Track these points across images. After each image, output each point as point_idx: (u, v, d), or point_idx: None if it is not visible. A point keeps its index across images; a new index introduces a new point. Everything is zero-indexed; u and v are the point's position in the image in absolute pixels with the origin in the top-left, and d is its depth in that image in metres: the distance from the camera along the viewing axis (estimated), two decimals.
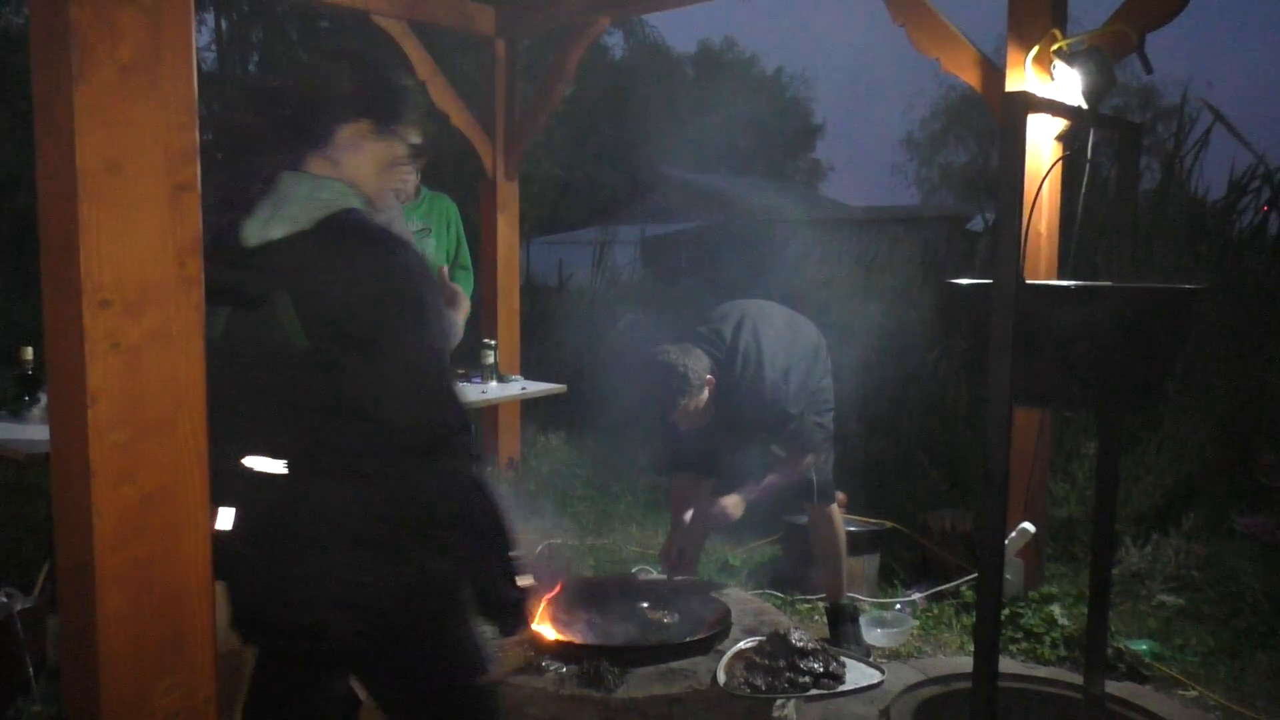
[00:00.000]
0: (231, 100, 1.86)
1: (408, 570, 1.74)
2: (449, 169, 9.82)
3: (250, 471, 1.70)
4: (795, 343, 3.62)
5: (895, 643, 3.82)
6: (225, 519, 1.71)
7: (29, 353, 3.76)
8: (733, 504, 3.59)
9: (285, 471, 1.69)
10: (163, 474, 1.52)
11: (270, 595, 1.75)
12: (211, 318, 1.63)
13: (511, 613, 1.84)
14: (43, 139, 1.46)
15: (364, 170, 1.78)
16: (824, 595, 4.10)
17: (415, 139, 1.84)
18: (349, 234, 1.68)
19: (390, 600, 1.74)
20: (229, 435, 1.67)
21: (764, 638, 3.00)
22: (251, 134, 1.69)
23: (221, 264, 1.63)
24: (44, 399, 3.53)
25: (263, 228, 1.66)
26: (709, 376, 3.41)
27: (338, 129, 1.75)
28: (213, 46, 18.72)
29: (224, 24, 18.65)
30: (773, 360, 3.50)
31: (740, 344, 3.50)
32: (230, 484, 1.70)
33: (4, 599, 3.26)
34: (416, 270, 1.71)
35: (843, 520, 3.94)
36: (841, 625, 3.77)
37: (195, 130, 1.52)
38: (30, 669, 3.15)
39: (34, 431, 3.40)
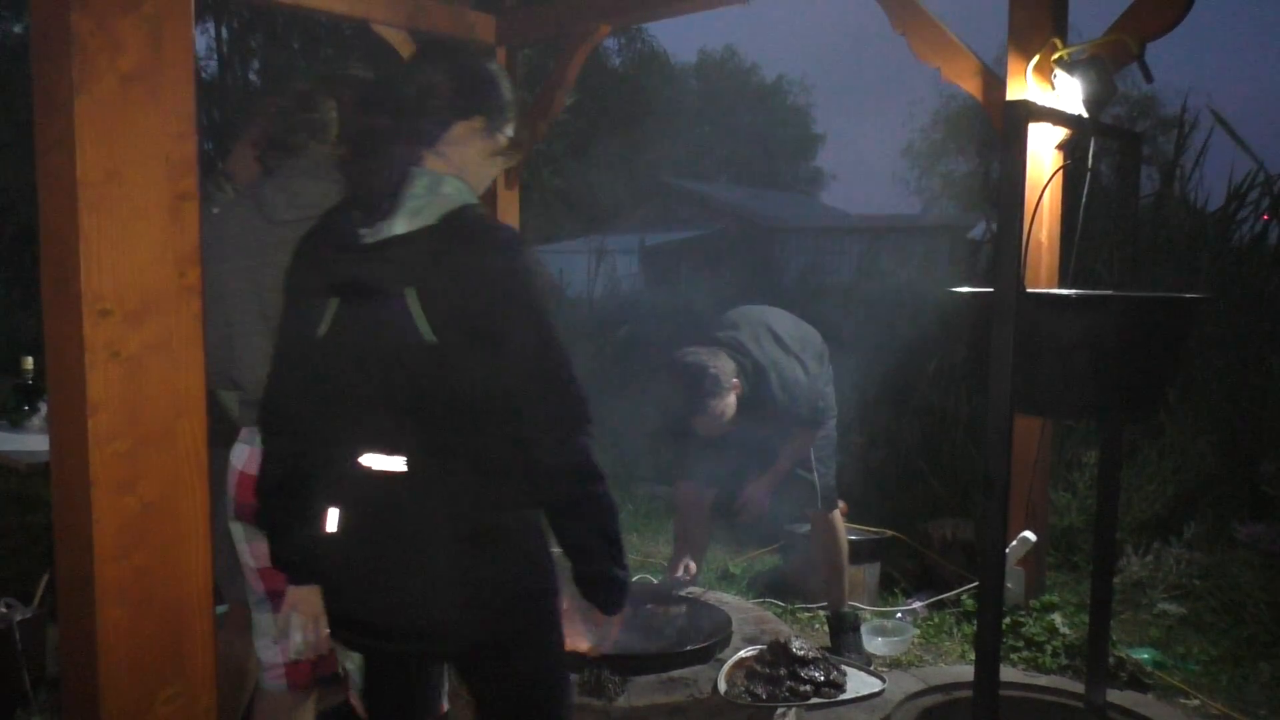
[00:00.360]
0: (353, 100, 1.84)
1: (523, 561, 1.76)
2: None
3: (365, 471, 1.69)
4: (806, 346, 3.65)
5: (896, 651, 3.81)
6: (330, 521, 1.72)
7: (29, 362, 3.77)
8: (761, 493, 3.64)
9: (405, 469, 1.67)
10: (163, 484, 1.52)
11: (387, 595, 1.71)
12: (315, 313, 1.67)
13: (618, 590, 1.83)
14: (43, 149, 1.46)
15: (471, 164, 1.78)
16: (825, 604, 4.09)
17: (512, 132, 1.85)
18: (475, 231, 1.67)
19: (507, 592, 1.74)
20: (341, 434, 1.70)
21: (765, 646, 2.99)
22: (374, 134, 1.69)
23: (348, 260, 1.64)
24: (44, 409, 3.53)
25: (387, 224, 1.65)
26: (735, 380, 3.40)
27: (453, 125, 1.74)
28: (213, 55, 18.76)
29: (224, 32, 18.69)
30: (792, 363, 3.53)
31: (763, 348, 3.51)
32: (342, 484, 1.72)
33: (4, 609, 3.25)
34: (535, 267, 1.72)
35: (844, 529, 3.94)
36: (843, 634, 3.76)
37: (195, 140, 1.52)
38: (29, 680, 3.14)
39: (34, 441, 3.40)
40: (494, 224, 1.73)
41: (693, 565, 3.75)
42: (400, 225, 1.63)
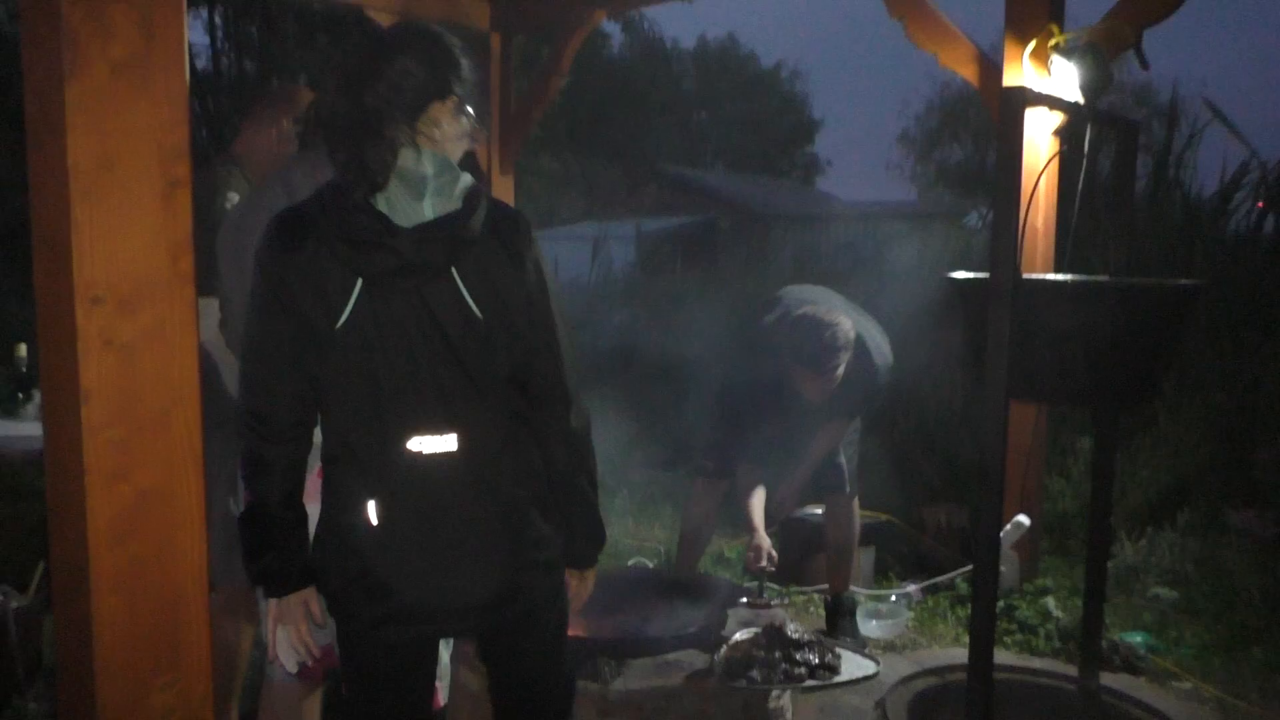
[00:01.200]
0: (335, 79, 1.79)
1: (547, 529, 1.84)
2: None
3: (414, 456, 1.69)
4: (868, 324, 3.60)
5: (891, 635, 3.83)
6: (371, 513, 1.69)
7: (23, 350, 3.76)
8: (797, 489, 3.65)
9: (455, 448, 1.70)
10: (157, 472, 1.52)
11: (440, 578, 1.73)
12: (333, 306, 1.63)
13: (601, 539, 2.02)
14: (34, 137, 1.46)
15: (445, 144, 1.77)
16: (823, 587, 4.11)
17: (473, 113, 1.86)
18: (495, 209, 1.75)
19: (539, 560, 1.82)
20: (384, 422, 1.68)
21: (760, 630, 3.00)
22: (366, 116, 1.66)
23: (390, 245, 1.63)
24: (38, 397, 3.52)
25: (415, 207, 1.66)
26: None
27: (431, 105, 1.73)
28: (207, 43, 18.66)
29: (217, 20, 18.58)
30: (879, 334, 3.53)
31: (850, 318, 3.41)
32: (386, 473, 1.69)
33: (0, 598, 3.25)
34: (539, 247, 1.81)
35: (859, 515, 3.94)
36: (841, 617, 3.77)
37: (187, 127, 1.51)
38: (25, 668, 3.14)
39: (28, 430, 3.39)
40: (510, 209, 1.81)
41: (772, 552, 3.60)
42: (430, 208, 1.66)
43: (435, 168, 1.69)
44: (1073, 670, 3.03)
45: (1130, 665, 3.47)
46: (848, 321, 3.30)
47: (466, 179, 1.72)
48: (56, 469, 1.53)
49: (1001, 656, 3.23)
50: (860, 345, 3.37)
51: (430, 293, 1.67)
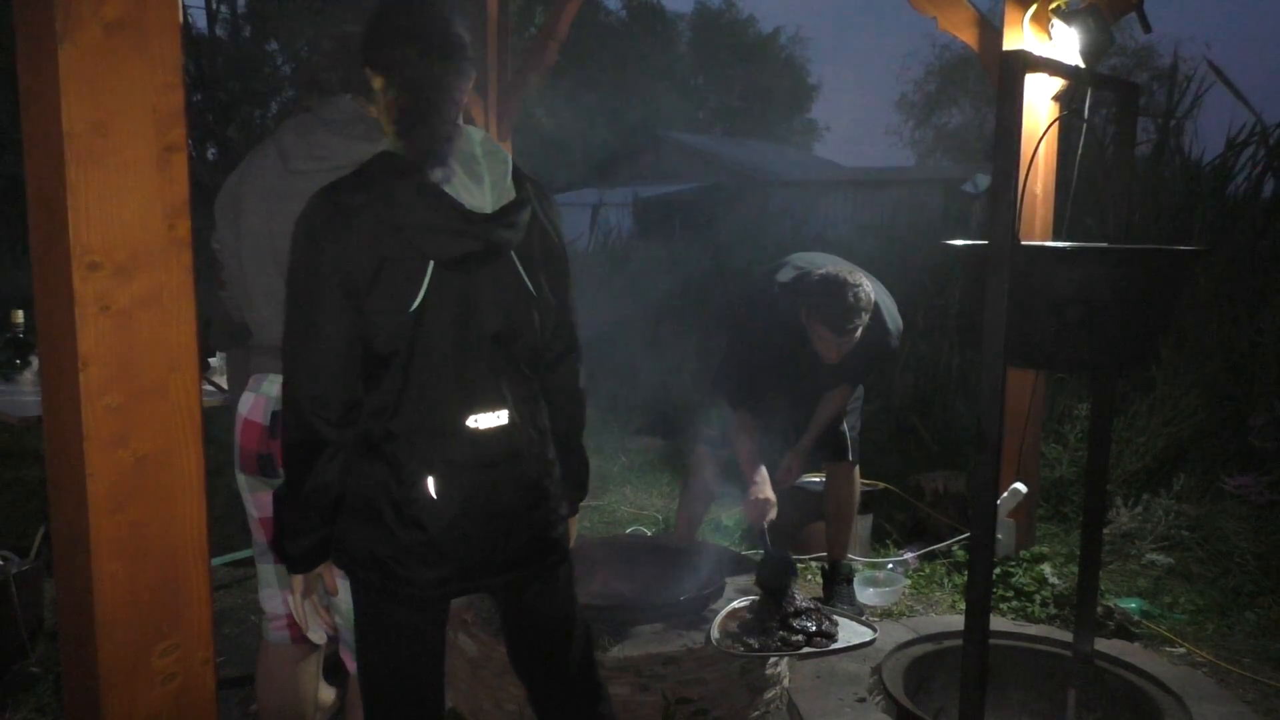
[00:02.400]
0: (411, 55, 1.78)
1: (561, 481, 1.97)
2: None
3: (473, 431, 1.75)
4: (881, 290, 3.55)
5: (888, 602, 3.86)
6: (431, 487, 1.73)
7: (20, 316, 3.75)
8: (802, 461, 3.65)
9: (506, 421, 1.79)
10: (156, 438, 1.52)
11: (497, 541, 1.81)
12: (409, 289, 1.66)
13: (584, 496, 2.15)
14: (28, 100, 1.44)
15: (465, 116, 1.82)
16: (820, 555, 4.13)
17: None
18: (536, 189, 1.84)
19: (561, 511, 1.97)
20: (456, 398, 1.74)
21: (757, 597, 3.02)
22: (441, 87, 1.70)
23: (474, 229, 1.68)
24: (36, 362, 3.52)
25: (480, 190, 1.72)
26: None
27: (472, 77, 1.77)
28: (201, 4, 18.44)
29: None
30: (891, 300, 3.53)
31: (867, 283, 3.39)
32: (447, 450, 1.74)
33: (1, 562, 3.26)
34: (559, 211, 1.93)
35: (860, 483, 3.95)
36: (838, 584, 3.79)
37: (182, 91, 1.50)
38: (27, 632, 3.16)
39: (27, 395, 3.39)
40: (537, 178, 1.87)
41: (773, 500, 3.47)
42: (491, 193, 1.72)
43: (481, 145, 1.75)
44: (1068, 636, 3.06)
45: (1125, 631, 3.50)
46: (869, 284, 3.29)
47: (507, 156, 1.78)
48: (56, 435, 1.53)
49: (997, 623, 3.26)
50: (876, 311, 3.36)
51: (495, 274, 1.75)
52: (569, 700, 2.06)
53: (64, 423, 1.48)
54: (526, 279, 1.79)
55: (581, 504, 2.17)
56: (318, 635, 1.93)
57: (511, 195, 1.76)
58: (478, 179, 1.71)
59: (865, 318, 3.23)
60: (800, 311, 3.31)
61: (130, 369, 1.48)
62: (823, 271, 3.29)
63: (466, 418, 1.74)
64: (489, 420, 1.77)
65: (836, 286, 3.22)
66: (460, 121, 1.74)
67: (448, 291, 1.69)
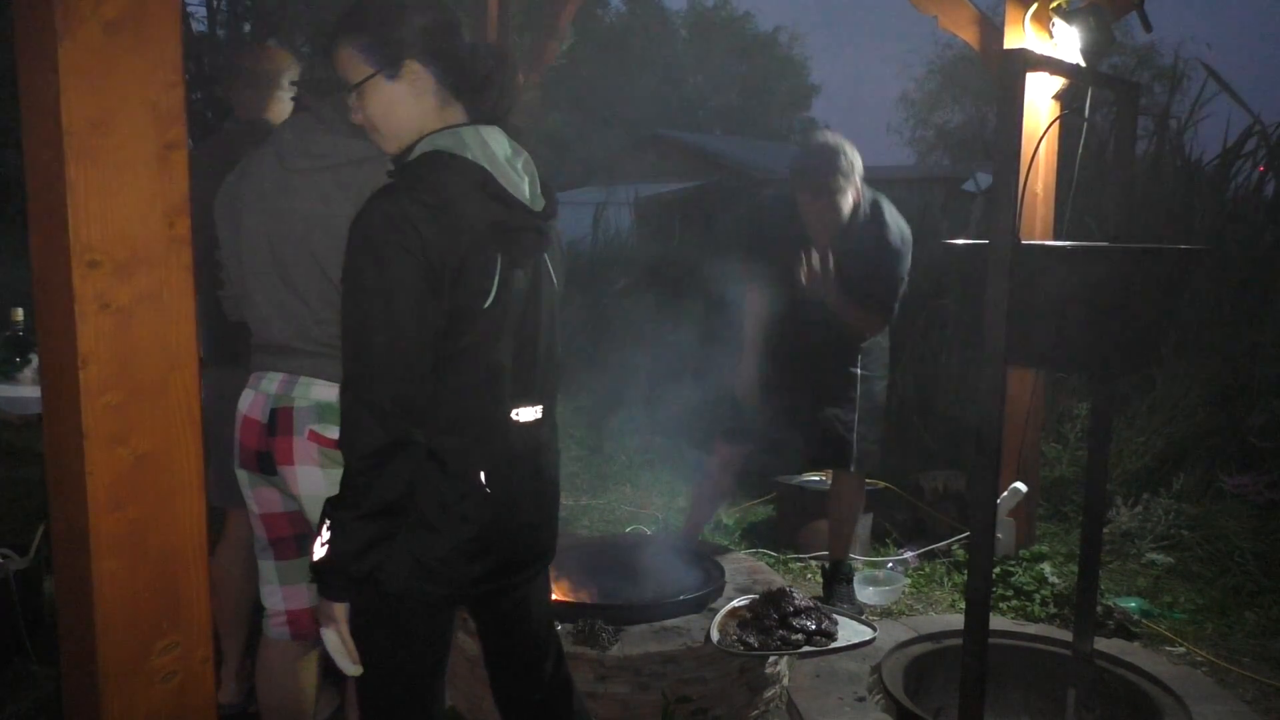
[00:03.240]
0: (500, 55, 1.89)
1: None
2: None
3: (518, 424, 1.80)
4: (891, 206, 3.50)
5: (888, 601, 3.86)
6: (483, 481, 1.75)
7: (19, 314, 3.74)
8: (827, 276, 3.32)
9: (540, 415, 1.86)
10: (156, 436, 1.52)
11: (532, 531, 1.88)
12: (484, 287, 1.69)
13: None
14: (27, 98, 1.44)
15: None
16: (821, 554, 4.14)
17: None
18: (550, 185, 1.87)
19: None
20: (506, 392, 1.78)
21: (757, 596, 3.02)
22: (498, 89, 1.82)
23: (533, 228, 1.76)
24: (36, 360, 3.52)
25: (519, 188, 1.76)
26: (860, 172, 3.32)
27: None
28: (201, 2, 18.41)
29: None
30: (894, 213, 3.45)
31: (870, 193, 3.41)
32: (497, 443, 1.78)
33: (0, 560, 3.26)
34: None
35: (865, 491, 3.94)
36: (838, 584, 3.79)
37: (182, 88, 1.49)
38: (27, 629, 3.16)
39: (26, 393, 3.38)
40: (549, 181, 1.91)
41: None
42: (529, 190, 1.78)
43: (505, 146, 1.79)
44: (1067, 635, 3.05)
45: (1124, 630, 3.50)
46: (856, 155, 3.30)
47: (526, 154, 1.83)
48: (55, 433, 1.52)
49: (997, 622, 3.26)
50: (877, 211, 3.36)
51: (543, 271, 1.83)
52: (546, 705, 2.07)
53: (63, 421, 1.48)
54: (554, 275, 1.87)
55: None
56: (350, 669, 1.78)
57: (545, 200, 1.82)
58: (518, 176, 1.76)
59: (845, 182, 3.26)
60: (790, 187, 3.39)
61: (130, 367, 1.48)
62: (805, 138, 3.41)
63: (513, 410, 1.79)
64: (528, 414, 1.82)
65: (815, 147, 3.36)
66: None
67: (508, 287, 1.73)
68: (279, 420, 2.07)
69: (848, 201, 3.32)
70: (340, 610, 1.72)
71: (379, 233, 1.62)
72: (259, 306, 2.16)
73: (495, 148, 1.75)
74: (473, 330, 1.69)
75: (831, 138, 3.38)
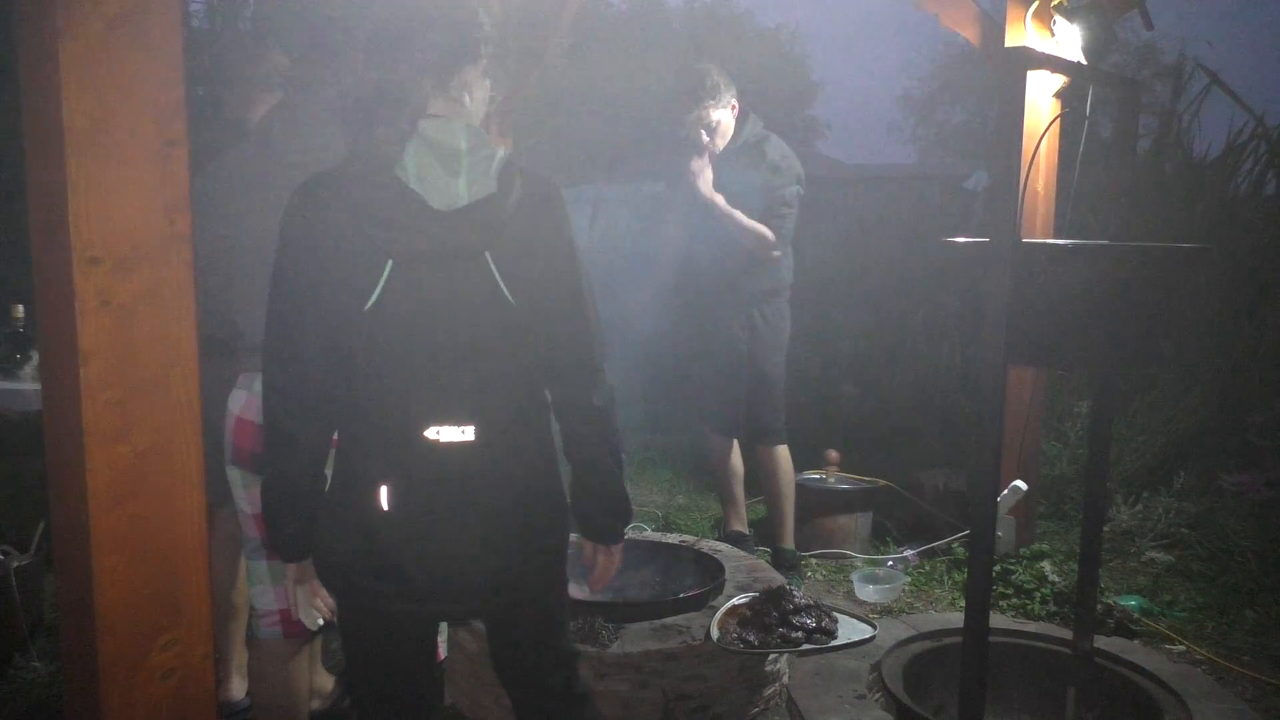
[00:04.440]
0: (368, 45, 1.74)
1: (561, 514, 1.84)
2: None
3: (431, 443, 1.65)
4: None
5: (887, 599, 3.86)
6: (383, 497, 1.67)
7: (20, 311, 3.75)
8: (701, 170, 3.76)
9: (473, 439, 1.67)
10: (156, 432, 1.52)
11: (450, 564, 1.71)
12: (363, 285, 1.59)
13: (622, 521, 1.96)
14: (28, 95, 1.44)
15: (476, 109, 1.75)
16: (823, 552, 4.19)
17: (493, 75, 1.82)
18: (532, 188, 1.70)
19: (549, 546, 1.82)
20: (403, 409, 1.65)
21: (757, 594, 3.02)
22: (393, 82, 1.63)
23: (424, 226, 1.59)
24: (35, 357, 3.52)
25: (450, 186, 1.61)
26: (734, 103, 3.77)
27: (466, 69, 1.70)
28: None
29: None
30: (781, 147, 3.86)
31: (762, 130, 3.87)
32: (401, 460, 1.66)
33: (1, 556, 3.26)
34: (571, 216, 1.78)
35: (791, 467, 4.09)
36: (781, 571, 3.78)
37: (183, 85, 1.49)
38: (27, 626, 3.16)
39: (27, 389, 3.39)
40: (542, 178, 1.75)
41: None
42: (465, 189, 1.62)
43: (468, 140, 1.64)
44: (1067, 634, 3.06)
45: (1124, 628, 3.50)
46: (731, 85, 3.76)
47: (500, 154, 1.67)
48: (56, 430, 1.53)
49: (997, 620, 3.26)
50: (763, 139, 3.82)
51: (462, 277, 1.64)
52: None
53: (64, 417, 1.48)
54: (503, 285, 1.66)
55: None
56: (311, 621, 1.92)
57: (489, 190, 1.64)
58: (453, 173, 1.62)
59: (710, 101, 3.68)
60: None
61: (130, 364, 1.48)
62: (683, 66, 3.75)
63: (425, 429, 1.65)
64: (451, 434, 1.66)
65: (685, 71, 3.87)
66: (446, 115, 1.68)
67: (409, 293, 1.61)
68: None
69: (724, 117, 3.75)
70: (290, 569, 1.82)
71: (281, 221, 1.66)
72: (256, 307, 2.15)
73: (441, 135, 1.63)
74: (359, 333, 1.62)
75: (703, 65, 3.80)
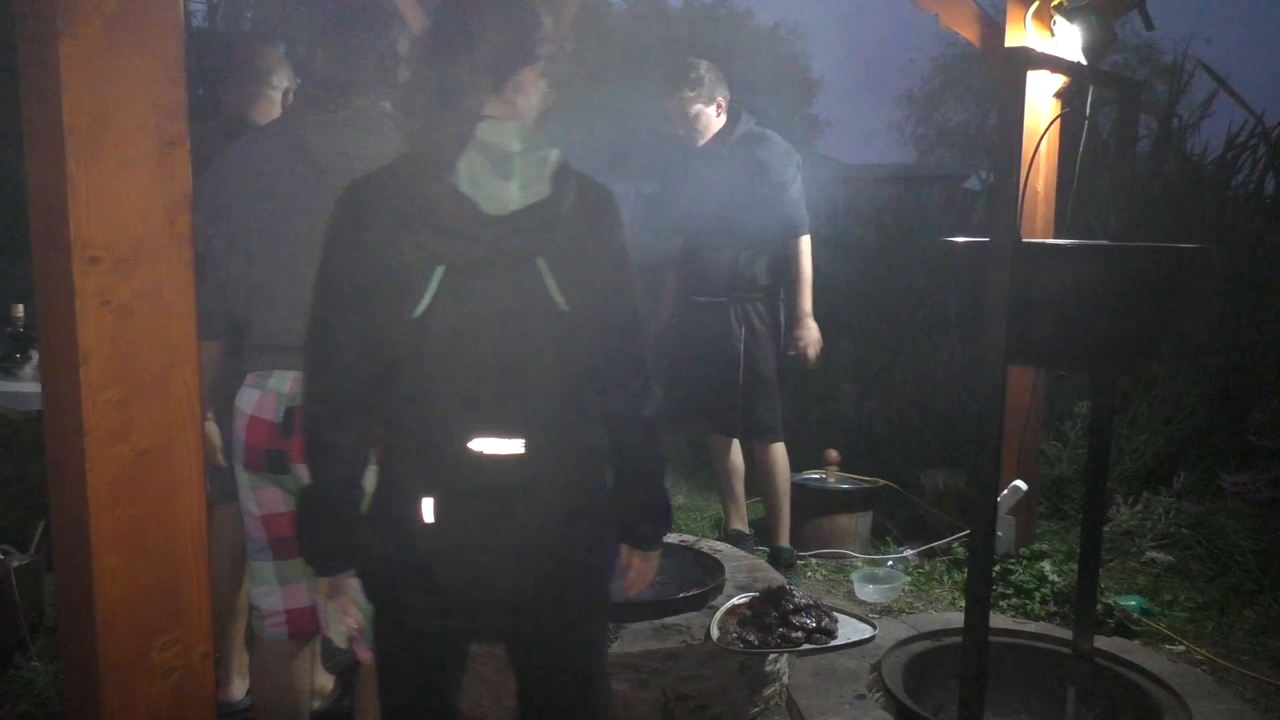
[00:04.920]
0: (421, 45, 1.70)
1: (607, 531, 1.77)
2: None
3: (477, 456, 1.61)
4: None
5: (887, 599, 3.86)
6: (426, 510, 1.63)
7: (20, 310, 3.75)
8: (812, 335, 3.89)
9: (521, 451, 1.61)
10: (156, 432, 1.52)
11: (493, 581, 1.65)
12: (412, 292, 1.55)
13: (663, 529, 1.89)
14: (28, 95, 1.44)
15: (531, 111, 1.70)
16: (824, 552, 4.18)
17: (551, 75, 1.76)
18: (587, 193, 1.65)
19: (595, 565, 1.76)
20: (459, 418, 1.60)
21: (757, 594, 3.02)
22: (448, 83, 1.58)
23: (474, 231, 1.54)
24: (35, 356, 3.52)
25: (503, 190, 1.56)
26: (721, 99, 3.83)
27: (521, 70, 1.65)
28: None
29: None
30: (789, 151, 3.92)
31: (758, 128, 3.94)
32: (445, 472, 1.62)
33: (1, 556, 3.26)
34: (624, 221, 1.73)
35: (787, 466, 4.09)
36: (776, 569, 3.79)
37: (183, 84, 1.49)
38: (27, 626, 3.16)
39: (27, 389, 3.39)
40: (596, 183, 1.70)
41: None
42: (518, 193, 1.56)
43: (522, 142, 1.59)
44: (1067, 634, 3.05)
45: (1124, 628, 3.50)
46: (722, 81, 3.82)
47: (554, 155, 1.62)
48: (56, 429, 1.52)
49: (997, 620, 3.26)
50: (760, 133, 3.90)
51: (513, 283, 1.59)
52: None
53: (64, 417, 1.48)
54: (555, 292, 1.60)
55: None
56: (340, 638, 1.87)
57: (543, 194, 1.59)
58: (505, 177, 1.57)
59: (691, 92, 3.75)
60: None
61: (131, 363, 1.48)
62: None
63: (469, 440, 1.60)
64: (498, 447, 1.61)
65: (666, 69, 3.88)
66: (501, 117, 1.62)
67: (459, 300, 1.57)
68: (297, 418, 2.07)
69: (706, 112, 3.81)
70: (322, 584, 1.76)
71: (329, 224, 1.63)
72: (274, 308, 2.14)
73: (494, 138, 1.59)
74: (407, 342, 1.58)
75: (696, 59, 3.84)
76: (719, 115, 3.85)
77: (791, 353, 3.88)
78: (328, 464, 1.67)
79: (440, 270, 1.55)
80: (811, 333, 3.86)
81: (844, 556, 4.38)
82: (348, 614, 1.79)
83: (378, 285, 1.57)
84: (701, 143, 3.86)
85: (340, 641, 1.89)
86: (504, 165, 1.57)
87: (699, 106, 3.79)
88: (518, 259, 1.58)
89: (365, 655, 2.09)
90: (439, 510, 1.61)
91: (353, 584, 1.77)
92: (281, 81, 2.88)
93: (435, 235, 1.54)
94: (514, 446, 1.61)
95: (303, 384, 1.69)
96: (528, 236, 1.57)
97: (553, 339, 1.62)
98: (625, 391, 1.75)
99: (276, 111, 2.85)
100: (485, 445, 1.60)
